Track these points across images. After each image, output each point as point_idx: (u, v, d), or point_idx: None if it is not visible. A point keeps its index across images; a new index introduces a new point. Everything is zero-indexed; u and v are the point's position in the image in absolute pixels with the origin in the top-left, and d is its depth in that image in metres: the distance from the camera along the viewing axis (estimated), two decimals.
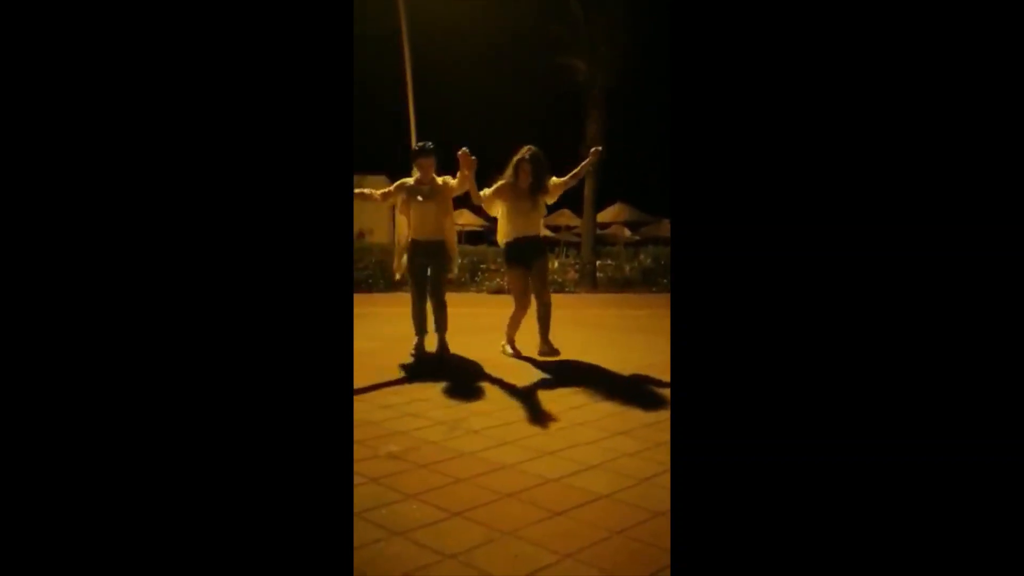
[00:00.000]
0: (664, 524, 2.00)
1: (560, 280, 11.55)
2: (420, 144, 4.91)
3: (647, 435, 2.93)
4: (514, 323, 4.94)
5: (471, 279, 11.64)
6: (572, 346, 5.02)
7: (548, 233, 4.94)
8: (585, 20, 12.12)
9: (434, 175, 4.76)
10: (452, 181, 4.73)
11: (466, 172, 4.52)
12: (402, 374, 4.32)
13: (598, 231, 14.01)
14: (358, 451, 2.70)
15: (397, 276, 5.09)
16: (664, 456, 2.63)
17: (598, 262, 12.61)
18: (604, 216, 20.83)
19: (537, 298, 4.80)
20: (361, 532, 1.95)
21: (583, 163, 4.88)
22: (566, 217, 21.50)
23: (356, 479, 2.37)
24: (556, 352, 4.77)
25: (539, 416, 3.29)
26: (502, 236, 4.85)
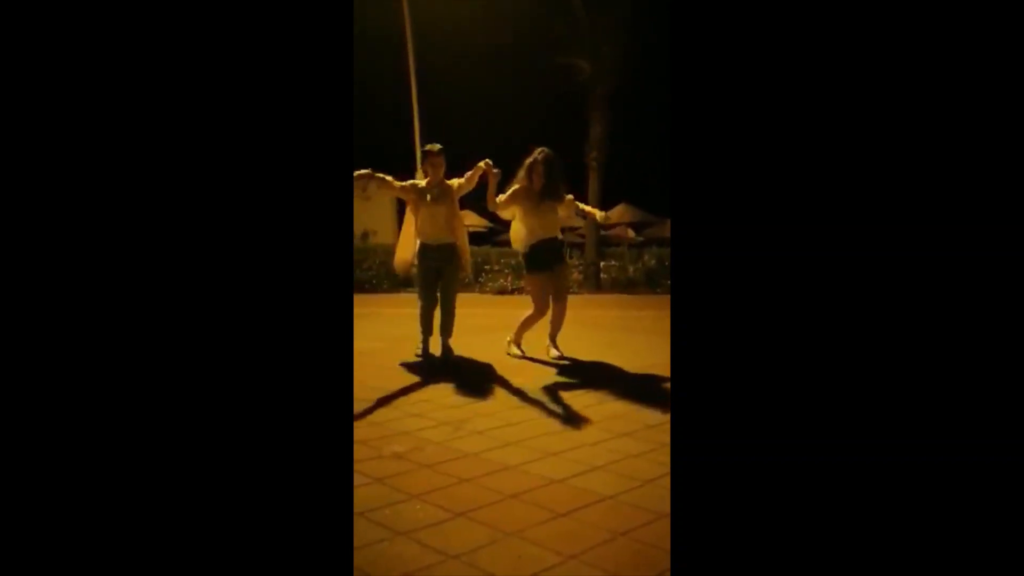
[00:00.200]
0: (667, 526, 1.99)
1: None
2: (432, 145, 4.85)
3: (651, 436, 2.93)
4: (526, 326, 4.87)
5: (475, 280, 11.65)
6: (576, 347, 5.02)
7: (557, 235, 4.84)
8: (588, 20, 12.10)
9: (443, 177, 4.71)
10: (460, 180, 4.70)
11: (484, 170, 4.47)
12: (406, 374, 4.33)
13: (602, 232, 13.99)
14: (362, 451, 2.70)
15: (397, 271, 5.01)
16: (667, 458, 2.62)
17: (602, 263, 12.60)
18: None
19: (556, 302, 4.72)
20: (365, 532, 1.96)
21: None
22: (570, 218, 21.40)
23: (360, 479, 2.38)
24: (562, 355, 4.76)
25: (543, 417, 3.29)
26: (519, 241, 4.75)
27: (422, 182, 4.77)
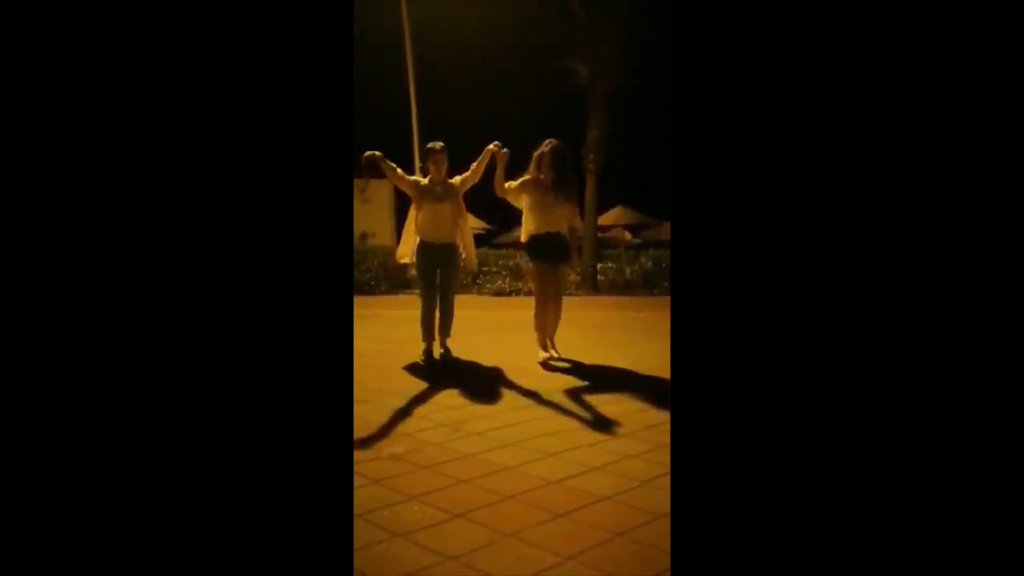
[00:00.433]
0: (666, 526, 1.99)
1: None
2: (434, 142, 4.77)
3: (649, 437, 2.93)
4: (540, 322, 4.67)
5: (473, 281, 11.65)
6: (575, 348, 5.02)
7: (561, 231, 4.58)
8: (587, 22, 12.10)
9: (445, 176, 4.66)
10: (465, 175, 4.66)
11: (493, 152, 4.40)
12: (405, 376, 4.32)
13: (599, 234, 14.00)
14: (360, 453, 2.70)
15: (400, 261, 4.92)
16: (666, 458, 2.62)
17: (599, 265, 12.60)
18: (605, 219, 20.81)
19: (552, 302, 4.62)
20: (363, 533, 1.96)
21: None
22: None
23: (358, 480, 2.37)
24: (559, 356, 4.73)
25: (541, 418, 3.29)
26: (524, 232, 4.65)
27: (424, 180, 4.72)
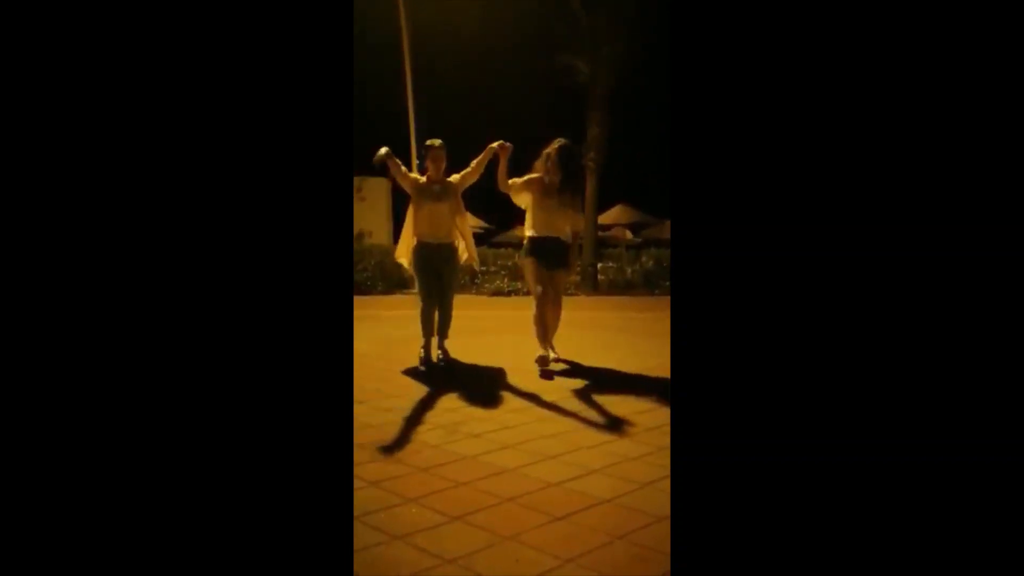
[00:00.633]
0: (666, 529, 1.99)
1: None
2: (433, 140, 4.69)
3: (649, 439, 2.92)
4: (539, 323, 4.50)
5: (471, 281, 11.65)
6: (574, 349, 5.01)
7: (562, 236, 4.45)
8: (587, 20, 12.10)
9: (444, 174, 4.58)
10: (465, 172, 4.60)
11: (496, 150, 4.35)
12: (403, 377, 4.31)
13: (599, 233, 14.00)
14: (358, 455, 2.69)
15: (400, 261, 4.85)
16: (666, 460, 2.62)
17: (599, 264, 12.60)
18: (605, 218, 20.82)
19: (551, 305, 4.51)
20: (361, 536, 1.95)
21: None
22: None
23: (356, 483, 2.37)
24: (559, 357, 4.69)
25: (540, 420, 3.28)
26: (526, 233, 4.55)
27: (422, 179, 4.64)
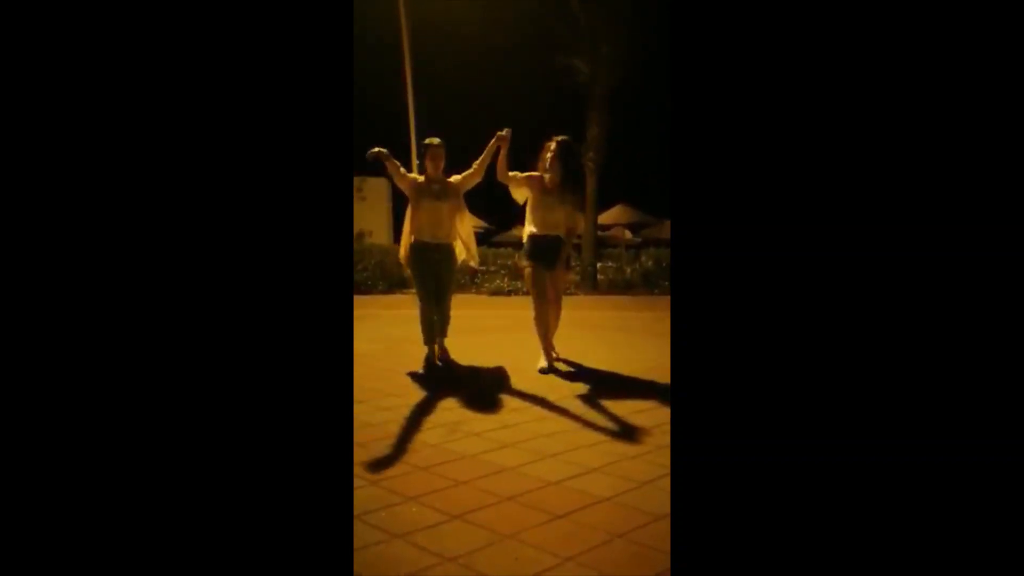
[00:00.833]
0: (665, 527, 1.99)
1: None
2: (431, 138, 4.64)
3: (649, 438, 2.92)
4: (540, 323, 4.47)
5: (471, 281, 11.65)
6: (574, 348, 5.01)
7: (559, 235, 4.41)
8: (587, 20, 12.08)
9: (443, 173, 4.54)
10: (467, 172, 4.55)
11: (496, 144, 4.29)
12: (402, 377, 4.32)
13: (599, 232, 13.99)
14: (358, 453, 2.69)
15: (403, 262, 4.78)
16: (665, 459, 2.62)
17: (599, 264, 12.59)
18: (605, 218, 20.82)
19: (551, 304, 4.47)
20: (361, 534, 1.95)
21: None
22: None
23: (356, 481, 2.37)
24: (558, 356, 4.69)
25: (540, 419, 3.28)
26: (526, 231, 4.51)
27: (421, 178, 4.60)
